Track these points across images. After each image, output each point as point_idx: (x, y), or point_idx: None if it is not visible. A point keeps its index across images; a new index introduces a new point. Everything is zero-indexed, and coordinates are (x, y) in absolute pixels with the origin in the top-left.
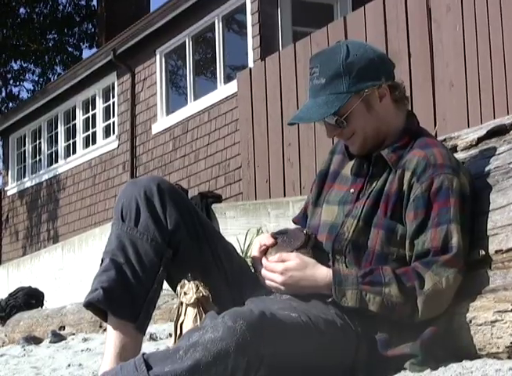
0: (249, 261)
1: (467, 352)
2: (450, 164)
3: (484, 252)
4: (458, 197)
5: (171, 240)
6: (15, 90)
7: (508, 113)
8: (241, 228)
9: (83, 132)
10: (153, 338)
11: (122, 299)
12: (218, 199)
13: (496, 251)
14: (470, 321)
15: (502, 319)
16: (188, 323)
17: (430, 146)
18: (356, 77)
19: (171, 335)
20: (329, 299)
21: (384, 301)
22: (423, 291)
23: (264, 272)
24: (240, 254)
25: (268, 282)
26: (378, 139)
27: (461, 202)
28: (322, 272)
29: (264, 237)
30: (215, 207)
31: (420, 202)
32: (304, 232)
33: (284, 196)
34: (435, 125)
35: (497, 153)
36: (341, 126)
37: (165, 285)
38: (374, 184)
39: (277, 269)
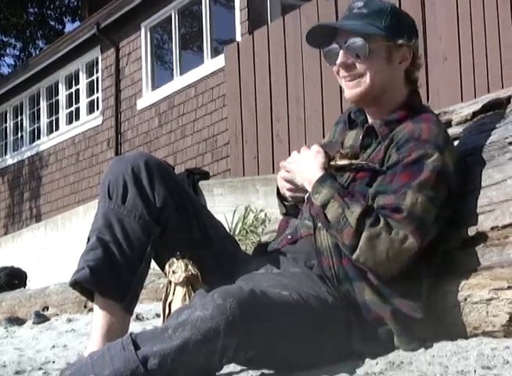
0: (237, 238)
1: (462, 330)
2: (435, 140)
3: (478, 229)
4: (433, 172)
5: (159, 218)
6: None
7: (503, 88)
8: (229, 205)
9: (66, 108)
10: (139, 318)
11: (109, 278)
12: (206, 176)
13: (492, 228)
14: (465, 299)
15: (498, 297)
16: (177, 303)
17: (423, 121)
18: (396, 24)
19: (157, 315)
20: (306, 195)
21: (341, 215)
22: (372, 228)
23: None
24: (228, 232)
25: (284, 163)
26: (377, 99)
27: (436, 179)
28: (320, 169)
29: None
30: (202, 184)
31: (392, 170)
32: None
33: (273, 172)
34: (428, 100)
35: (493, 127)
36: (360, 55)
37: (152, 264)
38: (364, 155)
39: (301, 149)
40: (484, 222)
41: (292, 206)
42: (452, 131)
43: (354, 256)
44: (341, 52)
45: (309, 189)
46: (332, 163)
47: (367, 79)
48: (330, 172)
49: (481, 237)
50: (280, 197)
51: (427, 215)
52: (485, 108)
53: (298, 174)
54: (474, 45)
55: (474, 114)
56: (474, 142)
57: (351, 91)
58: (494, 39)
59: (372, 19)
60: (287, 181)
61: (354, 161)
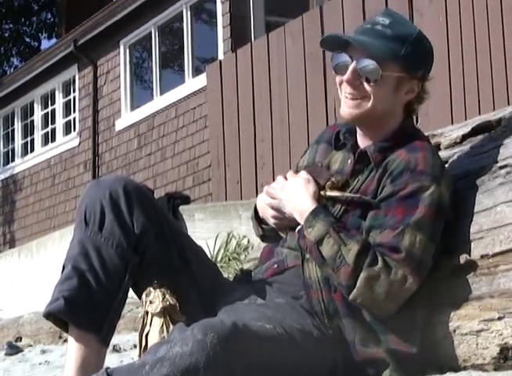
0: (219, 266)
1: (451, 363)
2: (431, 171)
3: (468, 257)
4: (430, 206)
5: (137, 246)
6: None
7: (494, 109)
8: (210, 231)
9: (41, 129)
10: (116, 349)
11: (85, 309)
12: (186, 200)
13: (482, 256)
14: (455, 331)
15: (489, 329)
16: (154, 334)
17: (418, 149)
18: (415, 56)
19: (135, 346)
20: (298, 228)
21: (338, 253)
22: (370, 268)
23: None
24: (210, 259)
25: (269, 189)
26: (374, 125)
27: (433, 213)
28: (312, 200)
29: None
30: (183, 209)
31: (386, 203)
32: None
33: (256, 197)
34: (417, 121)
35: (483, 151)
36: (371, 79)
37: (130, 292)
38: (355, 183)
39: (288, 176)
40: (474, 250)
41: (270, 229)
42: (440, 154)
43: (351, 296)
44: (351, 69)
45: (300, 220)
46: (322, 193)
47: (369, 103)
48: (323, 203)
49: (471, 266)
50: (258, 218)
51: (425, 254)
52: (475, 131)
53: (287, 202)
54: (464, 64)
55: (464, 137)
56: (463, 167)
57: (350, 110)
58: (485, 59)
59: (394, 43)
60: (273, 208)
61: (347, 194)
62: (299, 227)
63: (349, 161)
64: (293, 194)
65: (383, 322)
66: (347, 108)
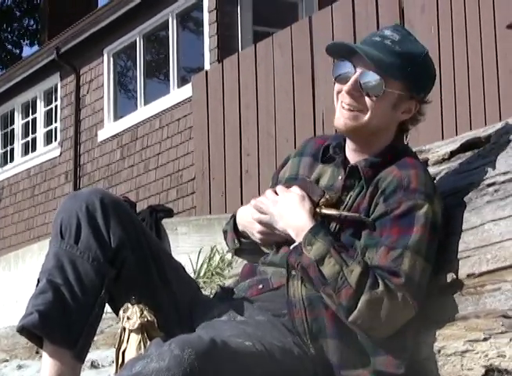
0: (201, 281)
1: None
2: (424, 189)
3: (454, 276)
4: (425, 225)
5: (114, 260)
6: None
7: (486, 125)
8: (194, 245)
9: (22, 138)
10: (94, 365)
11: (59, 324)
12: (169, 213)
13: (468, 275)
14: (439, 351)
15: (474, 350)
16: (131, 351)
17: (409, 167)
18: (419, 77)
19: (114, 363)
20: (293, 245)
21: (340, 273)
22: (372, 291)
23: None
24: (193, 274)
25: (257, 203)
26: (367, 140)
27: (428, 232)
28: (310, 217)
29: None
30: (166, 222)
31: (380, 223)
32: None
33: None
34: (406, 137)
35: (471, 168)
36: (371, 95)
37: (108, 307)
38: (347, 199)
39: (279, 191)
40: (461, 269)
41: (249, 243)
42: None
43: (351, 318)
44: (353, 79)
45: (296, 237)
46: (318, 210)
47: (366, 118)
48: (320, 221)
49: (457, 285)
50: (237, 231)
51: (423, 277)
52: (463, 147)
53: (280, 218)
54: (455, 78)
55: (452, 154)
56: (450, 184)
57: (345, 121)
58: (477, 73)
59: (401, 60)
60: (261, 223)
61: (343, 213)
62: (295, 244)
63: (339, 177)
64: (288, 210)
65: (374, 343)
66: (342, 118)
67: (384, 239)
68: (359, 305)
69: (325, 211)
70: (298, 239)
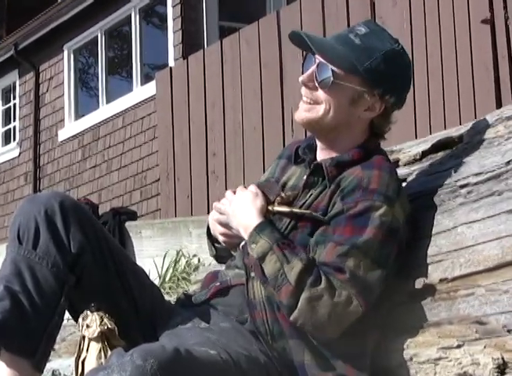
0: (167, 286)
1: None
2: (385, 191)
3: (426, 281)
4: (379, 227)
5: (74, 266)
6: None
7: (460, 124)
8: (159, 249)
9: None
10: (55, 374)
11: (17, 333)
12: (133, 216)
13: (441, 280)
14: (411, 359)
15: (447, 357)
16: (91, 360)
17: (373, 167)
18: (380, 72)
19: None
20: (241, 244)
21: (280, 271)
22: (313, 288)
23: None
24: (158, 279)
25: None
26: (327, 136)
27: (382, 235)
28: (258, 215)
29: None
30: (129, 225)
31: (335, 221)
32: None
33: (208, 213)
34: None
35: (443, 169)
36: (321, 86)
37: (67, 315)
38: (307, 197)
39: (237, 190)
40: (433, 274)
41: (224, 249)
42: (398, 172)
43: (292, 317)
44: (309, 71)
45: (245, 236)
46: (270, 208)
47: (320, 110)
48: (269, 218)
49: (429, 290)
50: (211, 238)
51: (371, 278)
52: (435, 147)
53: (233, 217)
54: (429, 76)
55: (424, 154)
56: (422, 185)
57: (301, 113)
58: (451, 70)
59: (360, 53)
60: (221, 224)
61: (295, 210)
62: (243, 243)
63: (304, 177)
64: (240, 209)
65: (331, 346)
66: (300, 111)
67: (335, 237)
68: (299, 302)
69: (277, 208)
70: (246, 237)
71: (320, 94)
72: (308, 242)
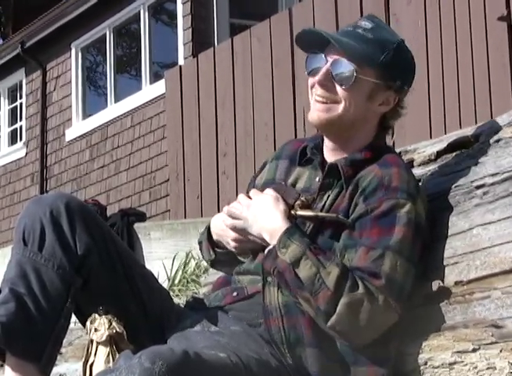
0: (176, 289)
1: None
2: (407, 188)
3: (441, 283)
4: (407, 225)
5: (80, 268)
6: None
7: (476, 123)
8: (168, 251)
9: None
10: None
11: (23, 336)
12: (142, 217)
13: (456, 283)
14: (426, 363)
15: (463, 361)
16: (99, 364)
17: (391, 165)
18: (394, 64)
19: None
20: (268, 248)
21: (317, 276)
22: (352, 293)
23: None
24: (167, 281)
25: (230, 208)
26: (343, 133)
27: (411, 233)
28: (285, 219)
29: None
30: (138, 226)
31: (360, 224)
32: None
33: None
34: (392, 135)
35: (458, 169)
36: (344, 84)
37: (74, 318)
38: (325, 199)
39: (252, 194)
40: (448, 276)
41: (225, 253)
42: (413, 172)
43: (330, 323)
44: (324, 70)
45: (270, 240)
46: (293, 212)
47: (340, 109)
48: (295, 223)
49: (444, 293)
50: (211, 241)
51: (406, 279)
52: (451, 147)
53: (254, 222)
54: (444, 74)
55: (439, 154)
56: (437, 186)
57: (319, 114)
58: (467, 69)
59: (374, 48)
60: (234, 229)
61: (320, 214)
62: (270, 247)
63: (317, 179)
64: (262, 213)
65: (354, 353)
66: (316, 111)
67: (364, 240)
68: (338, 308)
69: (300, 212)
70: (273, 242)
71: (339, 91)
72: (331, 245)
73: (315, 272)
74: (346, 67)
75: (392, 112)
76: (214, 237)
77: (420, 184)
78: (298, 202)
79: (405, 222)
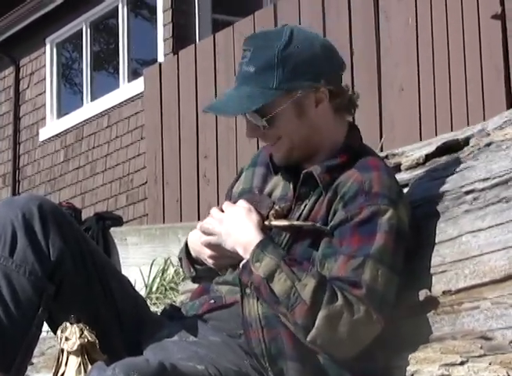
0: (154, 297)
1: None
2: (388, 193)
3: (428, 293)
4: (389, 232)
5: (53, 274)
6: None
7: (468, 125)
8: (145, 257)
9: None
10: None
11: None
12: (118, 221)
13: (444, 292)
14: (412, 375)
15: (450, 375)
16: (70, 375)
17: (371, 169)
18: (291, 73)
19: None
20: (242, 262)
21: (292, 289)
22: (331, 305)
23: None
24: (144, 289)
25: (204, 224)
26: (308, 150)
27: (393, 240)
28: (258, 231)
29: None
30: (114, 231)
31: (339, 231)
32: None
33: (198, 219)
34: (381, 138)
35: (448, 174)
36: (265, 127)
37: (46, 326)
38: (302, 208)
39: (225, 207)
40: (435, 286)
41: (205, 270)
42: (400, 177)
43: (309, 337)
44: (246, 123)
45: (244, 254)
46: (267, 223)
47: (285, 142)
48: (269, 234)
49: (431, 303)
50: (190, 258)
51: (389, 288)
52: (440, 151)
53: (227, 237)
54: (435, 74)
55: (427, 158)
56: (425, 191)
57: (276, 155)
58: (459, 68)
59: (262, 78)
60: (209, 245)
61: (295, 223)
62: (244, 262)
63: (291, 186)
64: (235, 226)
65: (339, 366)
66: (274, 154)
67: (344, 248)
68: (317, 322)
69: (274, 222)
70: (247, 256)
71: (271, 133)
72: (310, 255)
73: (290, 285)
74: (255, 119)
75: (336, 97)
76: (193, 254)
77: (407, 189)
78: (272, 212)
79: (387, 230)
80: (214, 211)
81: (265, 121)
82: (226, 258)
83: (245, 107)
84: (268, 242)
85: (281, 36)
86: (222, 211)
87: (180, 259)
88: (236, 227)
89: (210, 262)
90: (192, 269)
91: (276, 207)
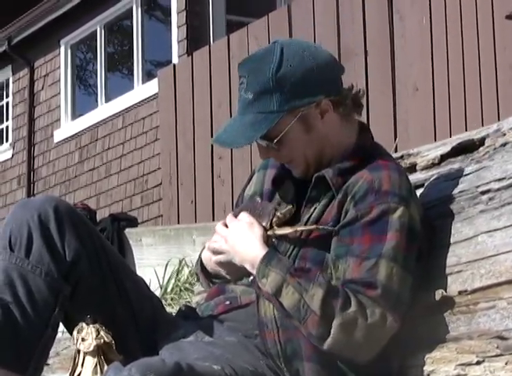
0: (169, 298)
1: None
2: (398, 191)
3: (444, 293)
4: (400, 231)
5: (69, 274)
6: None
7: (483, 125)
8: (160, 258)
9: None
10: None
11: (8, 346)
12: (133, 222)
13: (460, 292)
14: (428, 375)
15: (466, 374)
16: (86, 375)
17: (381, 168)
18: (289, 93)
19: None
20: (250, 278)
21: (301, 301)
22: (344, 313)
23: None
24: (159, 290)
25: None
26: (323, 161)
27: (405, 238)
28: (261, 245)
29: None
30: (129, 232)
31: (350, 230)
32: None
33: (213, 220)
34: (395, 138)
35: (463, 174)
36: (275, 149)
37: (62, 327)
38: (312, 211)
39: (228, 222)
40: (451, 286)
41: (223, 281)
42: (416, 177)
43: (326, 346)
44: (258, 147)
45: (252, 270)
46: (270, 233)
47: (299, 160)
48: (273, 245)
49: (447, 303)
50: (206, 272)
51: (403, 288)
52: (455, 151)
53: (235, 254)
54: (450, 74)
55: (442, 158)
56: (440, 191)
57: (295, 171)
58: (474, 69)
59: (261, 104)
60: (222, 263)
61: (299, 228)
62: (251, 278)
63: (294, 187)
64: (239, 243)
65: (355, 369)
66: (292, 170)
67: (355, 248)
68: (332, 330)
69: (278, 231)
70: (254, 271)
71: (283, 152)
72: (323, 257)
73: (299, 298)
74: (265, 143)
75: (340, 103)
76: (210, 270)
77: (422, 189)
78: (275, 219)
79: (398, 228)
80: (219, 227)
81: (275, 144)
82: (242, 269)
83: (251, 136)
84: (272, 255)
85: (272, 57)
86: (226, 226)
87: (196, 274)
88: (241, 244)
89: (230, 277)
90: (210, 284)
91: (278, 214)
